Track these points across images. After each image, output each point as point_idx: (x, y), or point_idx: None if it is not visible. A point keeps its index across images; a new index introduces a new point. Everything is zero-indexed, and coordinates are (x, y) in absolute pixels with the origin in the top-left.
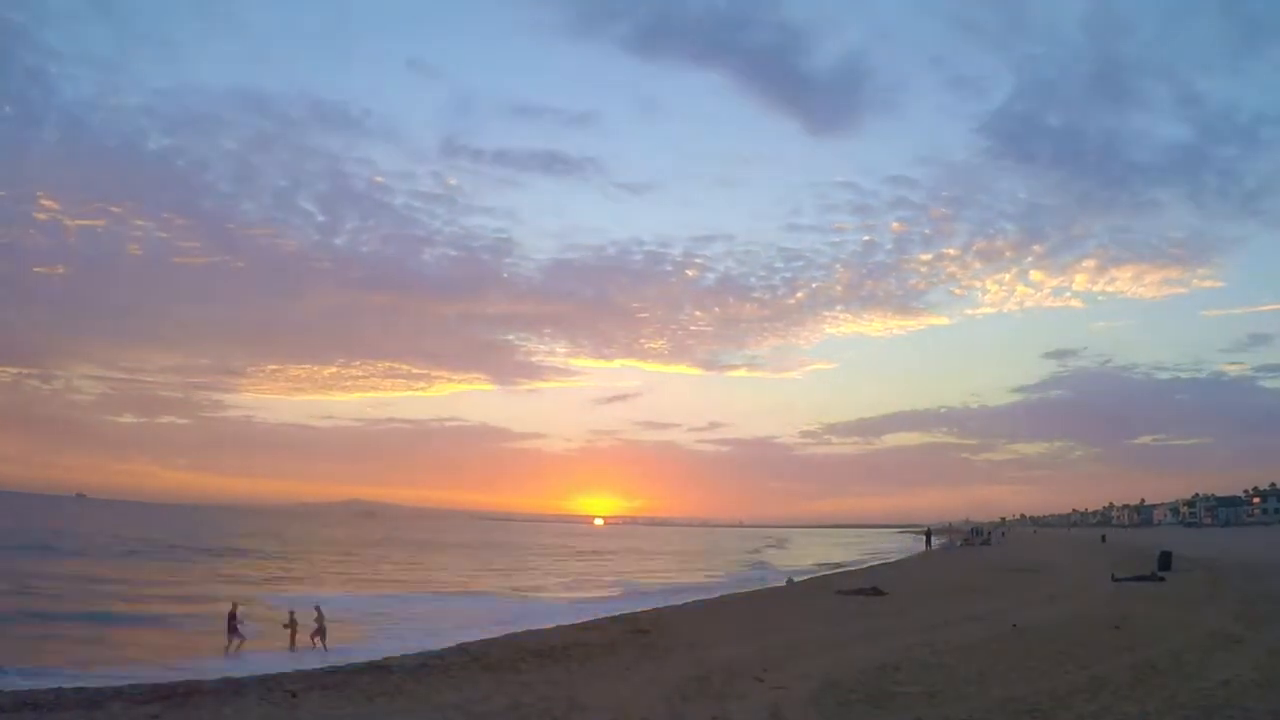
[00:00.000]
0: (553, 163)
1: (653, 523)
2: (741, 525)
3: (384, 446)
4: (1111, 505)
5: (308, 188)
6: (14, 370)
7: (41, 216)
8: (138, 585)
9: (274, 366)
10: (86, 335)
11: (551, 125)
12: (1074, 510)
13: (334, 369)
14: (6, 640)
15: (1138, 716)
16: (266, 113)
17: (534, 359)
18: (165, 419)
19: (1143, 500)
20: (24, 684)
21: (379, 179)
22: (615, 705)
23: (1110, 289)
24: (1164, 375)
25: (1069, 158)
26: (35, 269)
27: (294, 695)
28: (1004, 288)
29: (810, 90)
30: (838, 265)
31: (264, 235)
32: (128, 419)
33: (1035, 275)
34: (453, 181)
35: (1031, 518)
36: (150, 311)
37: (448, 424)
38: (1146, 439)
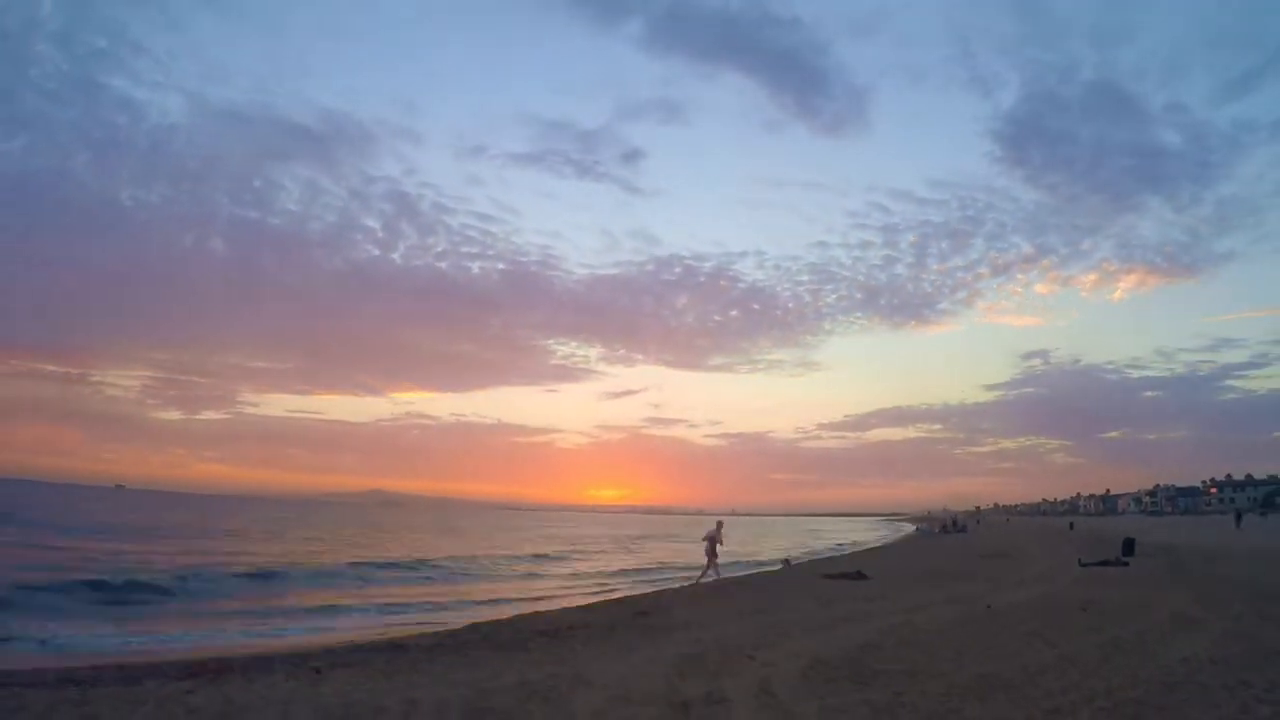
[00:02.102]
0: (597, 177)
1: (650, 511)
2: (734, 514)
3: (405, 441)
4: (1079, 495)
5: (372, 207)
6: (64, 370)
7: (121, 233)
8: None
9: (315, 367)
10: (147, 338)
11: (592, 137)
12: (1044, 500)
13: (374, 374)
14: None
15: (1104, 692)
16: (323, 133)
17: (569, 363)
18: (204, 415)
19: (1108, 490)
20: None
21: (439, 198)
22: (617, 681)
23: (1110, 299)
24: (1135, 374)
25: (1078, 169)
26: (108, 274)
27: (318, 671)
28: (1011, 298)
29: (830, 95)
30: (859, 277)
31: (324, 251)
32: (170, 415)
33: (1040, 288)
34: (504, 199)
35: (1004, 507)
36: (213, 318)
37: (466, 419)
38: (1114, 434)
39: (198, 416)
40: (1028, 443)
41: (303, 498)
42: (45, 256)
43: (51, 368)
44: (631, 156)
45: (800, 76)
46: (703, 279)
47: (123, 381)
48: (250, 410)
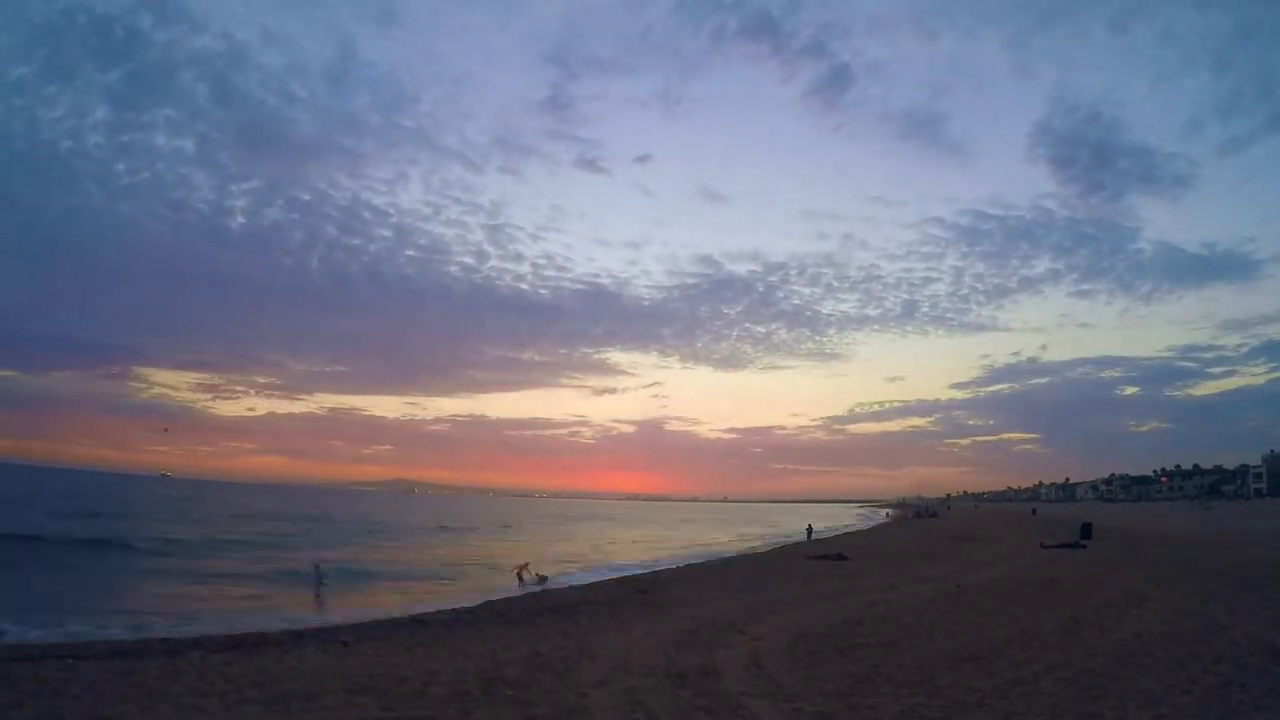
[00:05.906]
0: (661, 199)
1: (651, 499)
2: (726, 500)
3: (428, 434)
4: (1041, 483)
5: (467, 237)
6: (117, 367)
7: (231, 253)
8: None
9: (374, 370)
10: (211, 342)
11: (660, 167)
12: (1009, 487)
13: (423, 375)
14: None
15: (1064, 663)
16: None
17: (619, 367)
18: (256, 412)
19: (1068, 479)
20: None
21: (525, 226)
22: (619, 654)
23: (1108, 311)
24: (1106, 374)
25: (1106, 193)
26: (202, 288)
27: (345, 645)
28: (1028, 309)
29: (872, 115)
30: (901, 295)
31: (414, 270)
32: (221, 411)
33: (1054, 299)
34: (579, 229)
35: (973, 494)
36: (294, 328)
37: (495, 415)
38: (1079, 428)
39: (251, 413)
40: (1005, 436)
41: (334, 486)
42: (148, 271)
43: (118, 367)
44: (647, 168)
45: (836, 87)
46: (755, 296)
47: (172, 380)
48: (291, 408)
